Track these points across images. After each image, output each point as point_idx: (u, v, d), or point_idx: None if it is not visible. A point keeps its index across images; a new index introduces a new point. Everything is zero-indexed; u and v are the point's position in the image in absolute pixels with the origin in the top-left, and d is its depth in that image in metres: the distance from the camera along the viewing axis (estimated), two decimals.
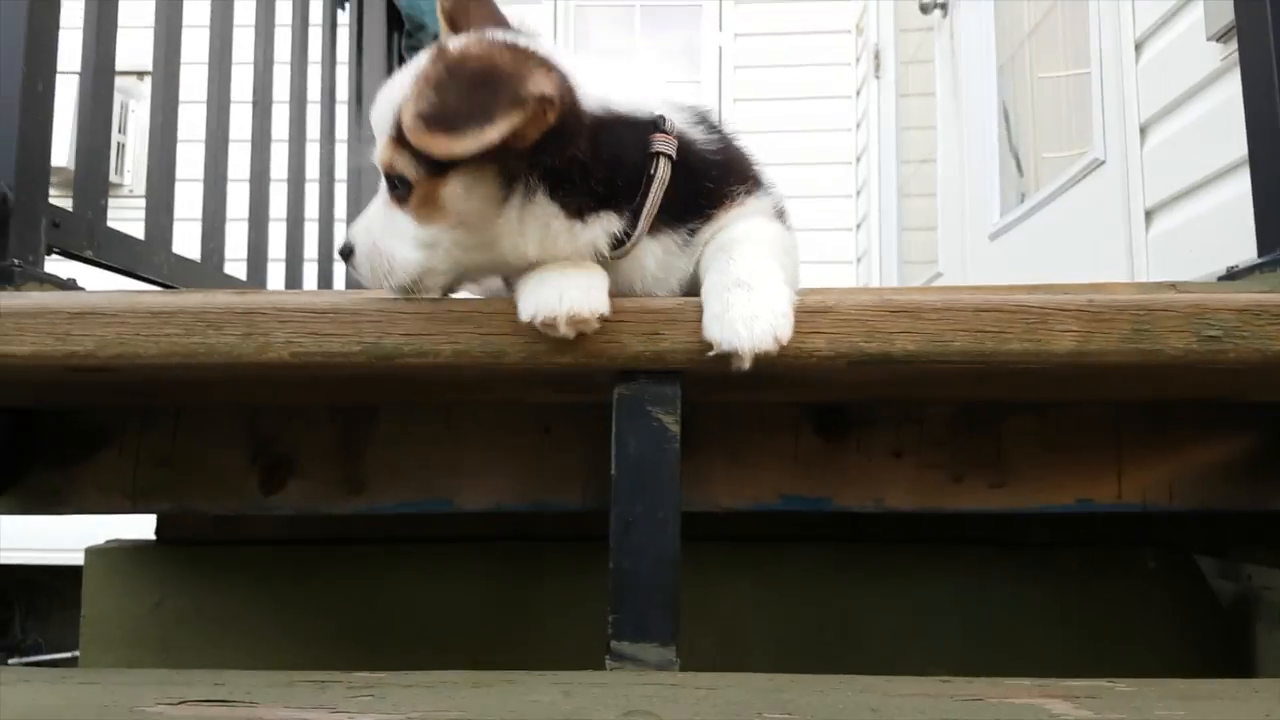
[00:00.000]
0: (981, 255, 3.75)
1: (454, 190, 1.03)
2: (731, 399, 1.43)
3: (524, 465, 1.50)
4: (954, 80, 4.16)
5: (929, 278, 4.37)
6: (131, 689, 0.87)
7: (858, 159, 5.60)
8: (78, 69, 1.94)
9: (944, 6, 4.19)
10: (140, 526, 1.89)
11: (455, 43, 1.06)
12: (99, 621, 1.87)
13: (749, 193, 1.15)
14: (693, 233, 1.11)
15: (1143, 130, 2.53)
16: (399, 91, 1.04)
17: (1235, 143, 1.99)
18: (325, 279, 3.12)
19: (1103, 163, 2.79)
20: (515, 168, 1.02)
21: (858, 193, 5.48)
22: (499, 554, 1.83)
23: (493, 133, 0.94)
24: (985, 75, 3.80)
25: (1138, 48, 2.56)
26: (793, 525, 1.80)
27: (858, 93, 5.72)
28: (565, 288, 1.02)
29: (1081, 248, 2.94)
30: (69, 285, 1.75)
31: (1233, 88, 2.08)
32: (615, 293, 1.06)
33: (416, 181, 1.03)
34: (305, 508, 1.51)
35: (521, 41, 1.09)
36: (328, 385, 1.34)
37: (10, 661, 4.55)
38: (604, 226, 1.06)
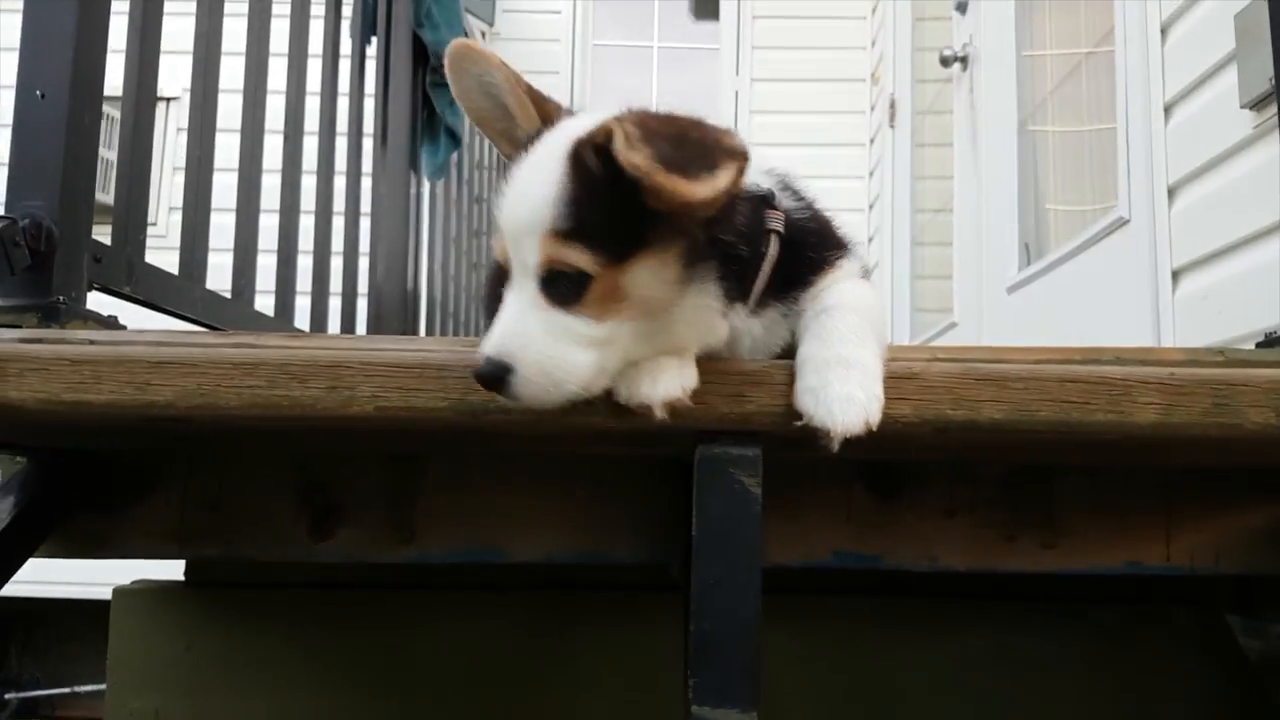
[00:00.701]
0: (999, 307, 3.77)
1: (641, 275, 0.96)
2: (789, 456, 1.43)
3: (575, 517, 1.50)
4: (973, 132, 4.20)
5: (943, 327, 4.39)
6: None
7: (870, 206, 5.65)
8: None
9: (964, 60, 4.24)
10: (164, 567, 1.88)
11: (623, 113, 0.98)
12: (127, 663, 1.85)
13: (841, 256, 1.14)
14: (795, 301, 1.10)
15: (1171, 191, 2.55)
16: (544, 186, 0.97)
17: (1267, 208, 2.02)
18: (349, 315, 3.12)
19: (1127, 221, 2.81)
20: (698, 243, 0.97)
21: (870, 239, 5.52)
22: (535, 603, 1.82)
23: (723, 178, 0.88)
24: (1006, 129, 3.83)
25: (1167, 110, 2.59)
26: (832, 578, 1.79)
27: (872, 140, 5.78)
28: (658, 372, 1.01)
29: (1102, 305, 2.96)
30: (112, 323, 1.75)
31: (1265, 154, 2.11)
32: (710, 357, 1.06)
33: (597, 273, 0.95)
34: (355, 555, 1.49)
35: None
36: (382, 434, 1.33)
37: (7, 696, 4.48)
38: (736, 308, 1.04)
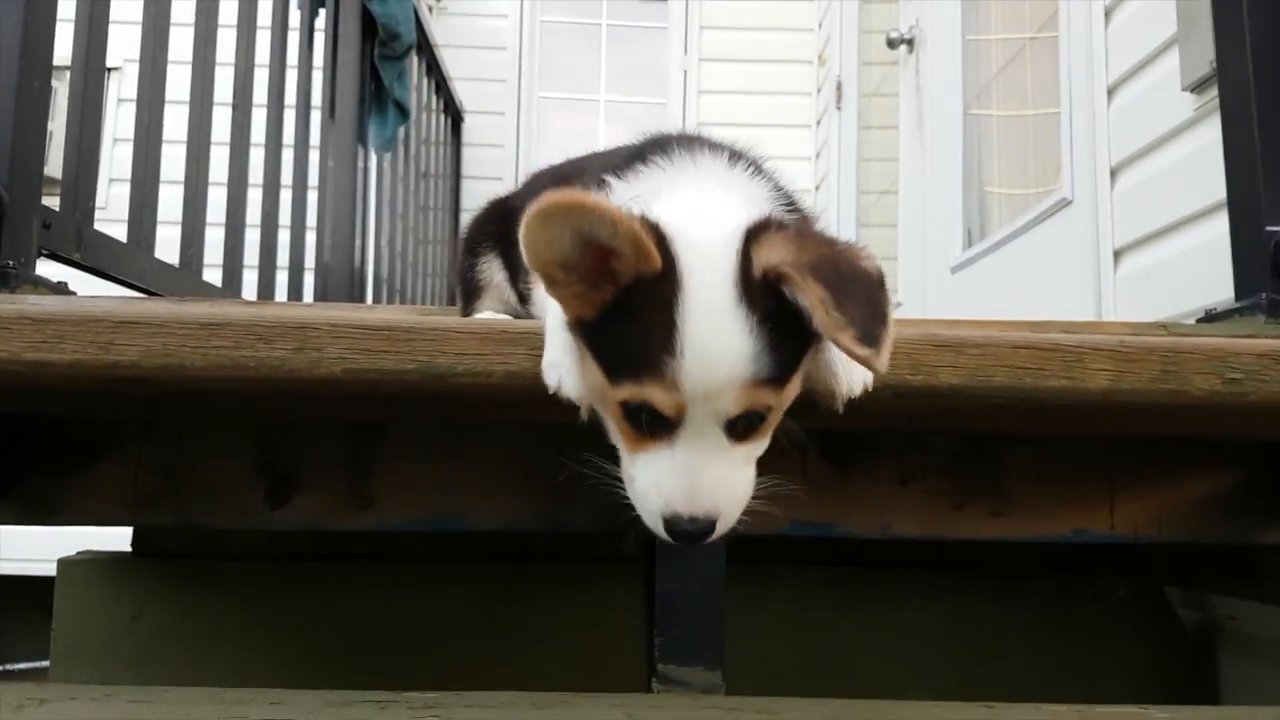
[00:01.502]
0: (943, 287, 3.84)
1: (793, 389, 0.99)
2: None
3: (536, 485, 1.50)
4: (918, 115, 4.25)
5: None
6: (188, 708, 0.85)
7: (816, 187, 5.70)
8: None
9: (910, 42, 4.29)
10: (111, 538, 1.85)
11: (763, 232, 0.98)
12: (72, 635, 1.82)
13: None
14: None
15: (1113, 172, 2.61)
16: (739, 338, 0.94)
17: (1207, 189, 2.08)
18: (296, 288, 3.08)
19: (1070, 202, 2.87)
20: None
21: (816, 220, 5.55)
22: (489, 573, 1.82)
23: (889, 340, 0.90)
24: (951, 111, 3.89)
25: (1110, 92, 2.65)
26: (787, 548, 1.82)
27: (818, 122, 5.82)
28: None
29: (1046, 284, 3.03)
30: (62, 289, 1.72)
31: (1206, 136, 2.17)
32: None
33: (776, 403, 0.97)
34: (312, 523, 1.49)
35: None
36: (342, 400, 1.33)
37: None
38: None
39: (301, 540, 1.83)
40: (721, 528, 0.96)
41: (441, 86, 5.12)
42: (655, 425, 0.96)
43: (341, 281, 3.39)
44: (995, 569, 1.88)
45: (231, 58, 2.64)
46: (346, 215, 3.46)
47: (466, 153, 5.89)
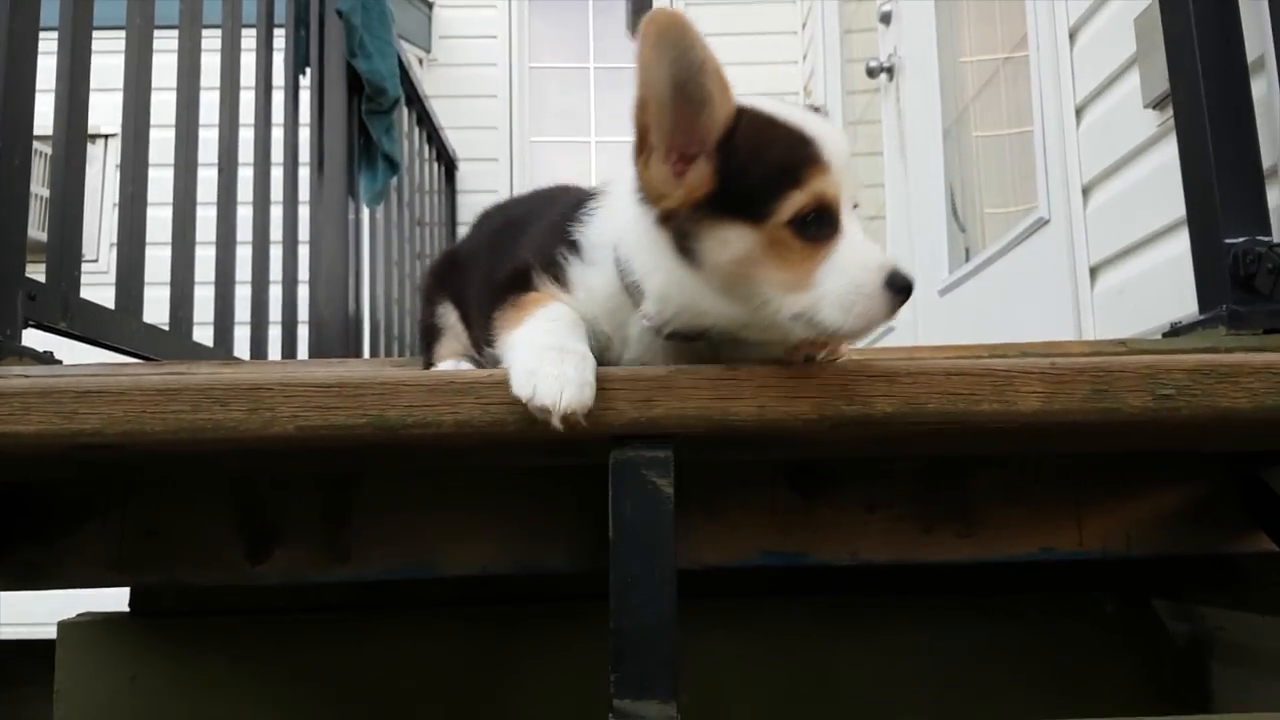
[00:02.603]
0: (932, 311, 3.86)
1: None
2: (712, 458, 1.48)
3: (510, 528, 1.53)
4: (900, 141, 4.30)
5: (881, 331, 4.47)
6: None
7: None
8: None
9: (890, 71, 4.35)
10: (111, 597, 1.89)
11: None
12: (74, 697, 1.85)
13: None
14: None
15: (1085, 191, 2.64)
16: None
17: (1173, 203, 2.10)
18: (290, 343, 3.13)
19: (1048, 221, 2.90)
20: None
21: None
22: (477, 617, 1.85)
23: None
24: (932, 136, 3.93)
25: (1078, 113, 2.68)
26: (769, 579, 1.84)
27: None
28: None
29: (1030, 303, 3.05)
30: (47, 359, 1.77)
31: (1169, 152, 2.19)
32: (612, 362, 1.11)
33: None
34: (292, 576, 1.52)
35: None
36: (305, 455, 1.36)
37: None
38: None
39: (292, 593, 1.86)
40: None
41: (433, 136, 5.20)
42: (823, 224, 1.08)
43: (336, 334, 3.44)
44: (979, 589, 1.89)
45: (216, 118, 2.71)
46: (339, 268, 3.52)
47: (461, 199, 5.97)
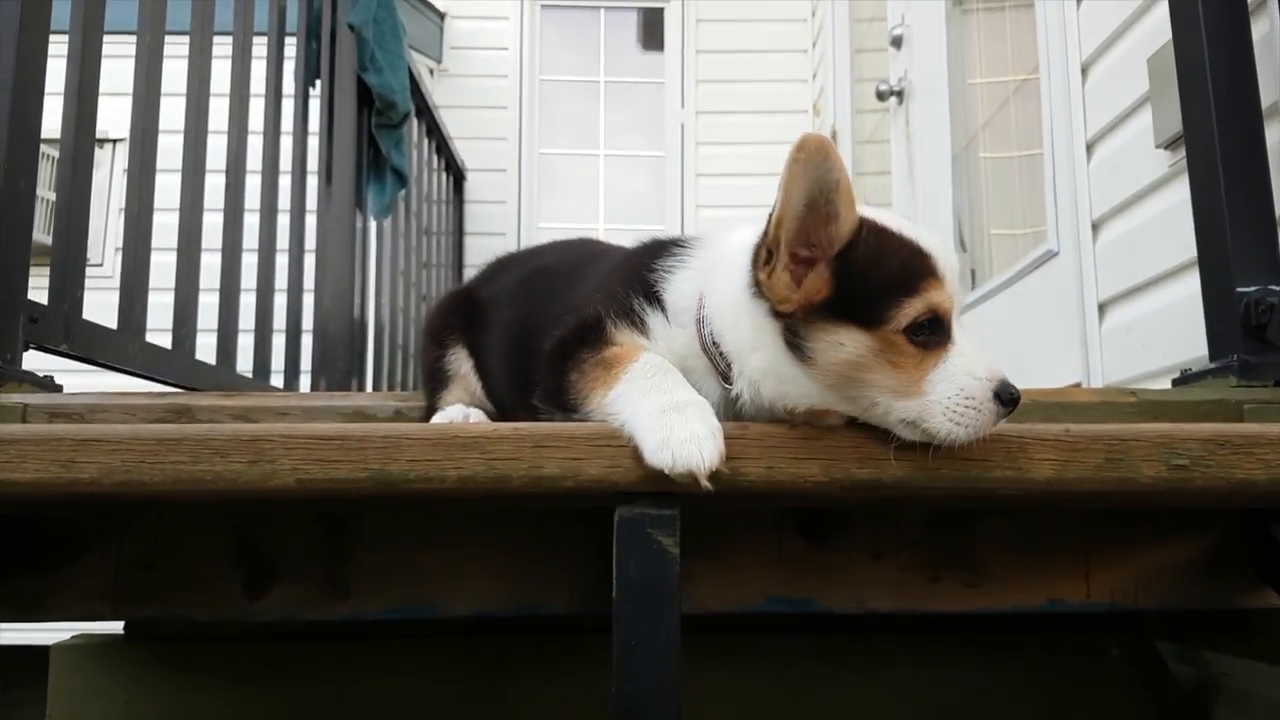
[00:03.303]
0: None
1: None
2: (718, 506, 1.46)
3: (510, 568, 1.51)
4: (909, 164, 4.28)
5: None
6: None
7: None
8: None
9: (900, 94, 4.33)
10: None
11: None
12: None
13: None
14: None
15: (1095, 226, 2.63)
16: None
17: (1184, 244, 2.09)
18: (294, 352, 3.11)
19: (1056, 254, 2.89)
20: None
21: None
22: (476, 649, 1.83)
23: None
24: (940, 160, 3.92)
25: (1089, 148, 2.67)
26: (765, 617, 1.82)
27: None
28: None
29: (1037, 334, 3.03)
30: (48, 383, 1.75)
31: (1180, 193, 2.18)
32: None
33: None
34: (290, 614, 1.50)
35: None
36: (306, 502, 1.34)
37: None
38: None
39: (290, 623, 1.84)
40: None
41: (443, 147, 5.20)
42: (935, 333, 1.12)
43: (341, 343, 3.43)
44: (982, 630, 1.87)
45: (224, 125, 2.69)
46: (345, 277, 3.50)
47: (469, 209, 5.97)
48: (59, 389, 1.76)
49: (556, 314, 1.36)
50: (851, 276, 1.13)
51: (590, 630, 1.79)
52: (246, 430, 1.05)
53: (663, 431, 1.08)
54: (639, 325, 1.26)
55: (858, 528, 1.55)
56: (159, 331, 2.27)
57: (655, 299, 1.27)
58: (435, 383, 1.59)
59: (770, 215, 1.15)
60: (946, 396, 1.08)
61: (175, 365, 2.33)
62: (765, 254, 1.16)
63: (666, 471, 1.06)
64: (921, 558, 1.54)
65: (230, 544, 1.53)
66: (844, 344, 1.11)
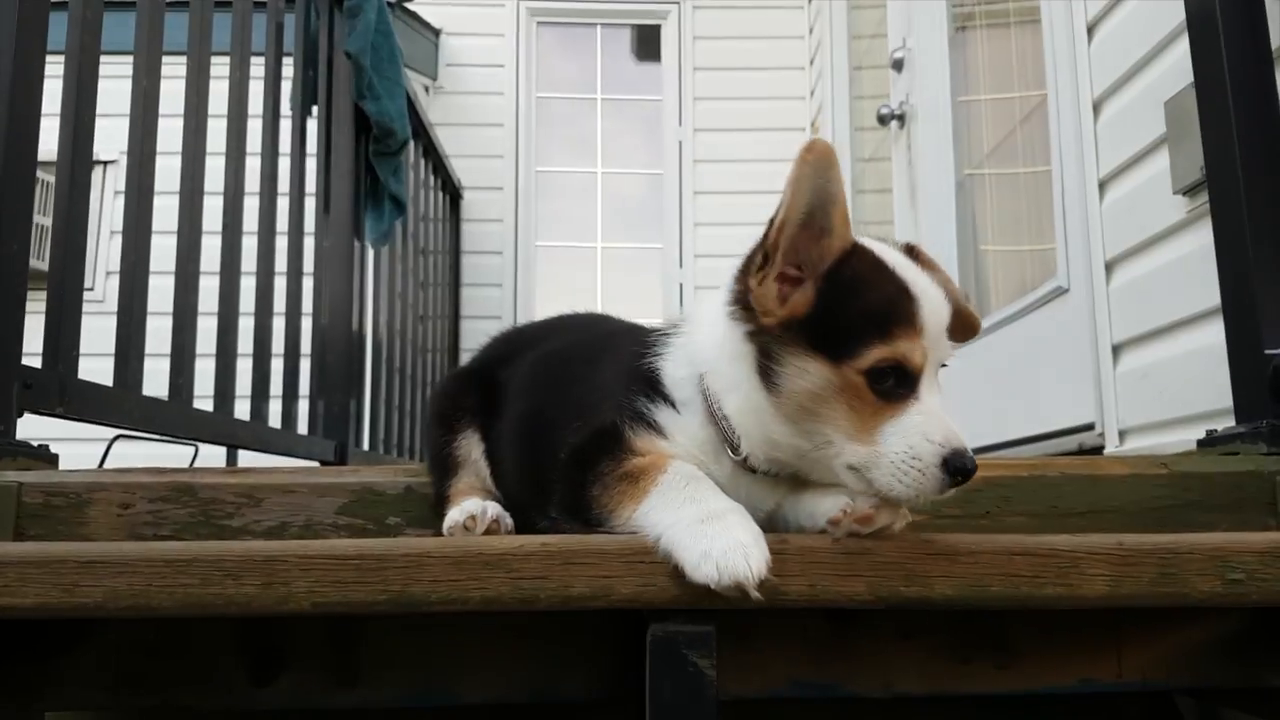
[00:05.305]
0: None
1: None
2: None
3: (527, 653, 1.46)
4: (911, 189, 4.24)
5: None
6: None
7: None
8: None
9: (901, 118, 4.29)
10: None
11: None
12: None
13: None
14: None
15: (1109, 266, 2.58)
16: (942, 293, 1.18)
17: (1204, 292, 2.05)
18: (291, 378, 3.05)
19: (1066, 291, 2.85)
20: None
21: None
22: None
23: None
24: (944, 185, 3.87)
25: (1102, 186, 2.61)
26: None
27: None
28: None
29: (1046, 370, 2.99)
30: (42, 454, 1.70)
31: (1199, 239, 2.14)
32: None
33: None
34: (298, 702, 1.44)
35: None
36: None
37: None
38: None
39: (295, 710, 1.79)
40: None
41: (439, 166, 5.14)
42: (900, 384, 1.09)
43: (339, 364, 3.38)
44: (1008, 698, 1.83)
45: (222, 146, 2.64)
46: (343, 303, 3.45)
47: (465, 228, 5.91)
48: (55, 459, 1.71)
49: (570, 409, 1.32)
50: (831, 300, 1.11)
51: (610, 717, 1.74)
52: (260, 550, 1.00)
53: (704, 542, 1.03)
54: (654, 426, 1.22)
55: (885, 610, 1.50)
56: (156, 356, 2.23)
57: (658, 390, 1.25)
58: (444, 469, 1.52)
59: (771, 220, 1.14)
60: (895, 451, 1.06)
61: (172, 417, 2.28)
62: (761, 258, 1.15)
63: (712, 586, 1.01)
64: (950, 639, 1.49)
65: (235, 631, 1.47)
66: (808, 372, 1.10)
